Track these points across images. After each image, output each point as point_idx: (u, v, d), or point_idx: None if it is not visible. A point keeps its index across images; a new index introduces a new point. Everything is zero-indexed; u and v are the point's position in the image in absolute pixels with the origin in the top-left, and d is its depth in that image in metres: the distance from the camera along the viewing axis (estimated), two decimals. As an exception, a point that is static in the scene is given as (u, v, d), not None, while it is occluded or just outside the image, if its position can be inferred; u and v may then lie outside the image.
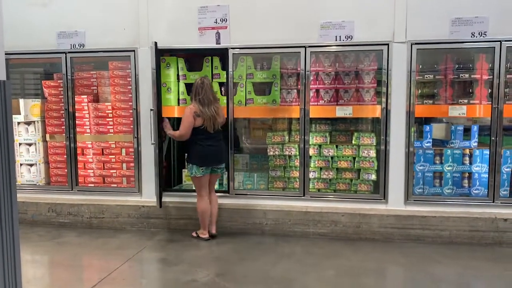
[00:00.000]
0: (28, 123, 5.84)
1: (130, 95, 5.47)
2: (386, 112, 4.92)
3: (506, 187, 4.87)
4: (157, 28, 5.25)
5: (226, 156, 5.08)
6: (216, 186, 5.47)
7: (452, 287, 3.84)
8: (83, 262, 4.61)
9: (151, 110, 5.09)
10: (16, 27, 5.39)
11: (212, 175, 4.95)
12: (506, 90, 4.78)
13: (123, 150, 5.62)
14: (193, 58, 5.59)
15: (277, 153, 5.35)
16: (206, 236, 4.92)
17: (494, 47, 4.70)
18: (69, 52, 5.52)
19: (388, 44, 4.85)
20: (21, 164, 5.86)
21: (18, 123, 5.80)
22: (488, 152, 4.87)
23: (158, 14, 5.25)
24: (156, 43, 5.00)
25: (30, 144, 5.87)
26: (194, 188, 5.02)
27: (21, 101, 5.81)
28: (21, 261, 2.18)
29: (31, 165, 5.88)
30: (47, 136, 5.82)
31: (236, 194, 5.32)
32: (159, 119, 5.05)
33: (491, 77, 4.78)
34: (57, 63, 5.67)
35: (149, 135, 5.19)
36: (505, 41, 4.66)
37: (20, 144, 5.85)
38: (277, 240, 4.92)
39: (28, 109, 5.83)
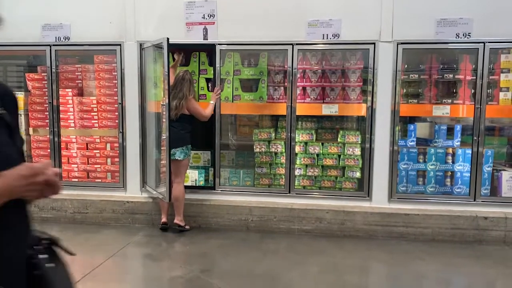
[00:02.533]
0: (11, 116, 5.73)
1: (116, 90, 5.42)
2: (371, 110, 4.97)
3: (487, 186, 4.96)
4: (144, 23, 5.21)
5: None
6: (202, 183, 5.47)
7: (434, 284, 3.91)
8: (66, 257, 4.55)
9: (162, 105, 5.01)
10: (-1, 18, 5.28)
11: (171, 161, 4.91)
12: (488, 91, 4.87)
13: (108, 145, 5.56)
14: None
15: (263, 150, 5.36)
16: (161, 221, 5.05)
17: (478, 48, 4.77)
18: (53, 45, 5.43)
19: (374, 43, 4.89)
20: (3, 158, 5.75)
21: (0, 116, 5.69)
22: (470, 152, 4.95)
23: (145, 8, 5.20)
24: (168, 39, 4.67)
25: (12, 138, 5.76)
26: None
27: (4, 93, 5.69)
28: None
29: (13, 159, 5.78)
30: (30, 129, 5.72)
31: (221, 191, 5.32)
32: (169, 114, 4.86)
33: (475, 77, 4.86)
34: (41, 55, 5.58)
35: (133, 130, 5.25)
36: (489, 42, 4.74)
37: (2, 137, 5.75)
38: (262, 237, 4.94)
39: (10, 102, 5.72)
